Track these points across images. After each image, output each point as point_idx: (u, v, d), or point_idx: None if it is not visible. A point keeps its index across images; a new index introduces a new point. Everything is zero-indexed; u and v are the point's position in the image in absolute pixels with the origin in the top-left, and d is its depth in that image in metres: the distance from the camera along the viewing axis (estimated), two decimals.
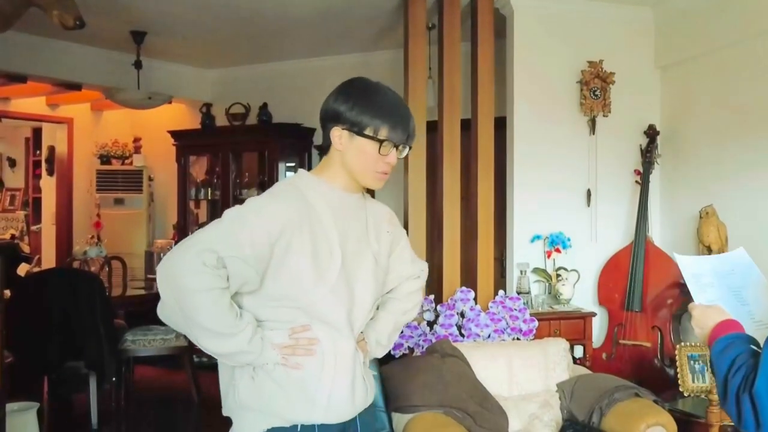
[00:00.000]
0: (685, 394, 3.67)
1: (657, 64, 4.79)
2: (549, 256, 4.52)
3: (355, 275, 1.81)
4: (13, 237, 8.25)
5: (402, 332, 3.90)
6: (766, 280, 1.76)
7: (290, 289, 1.72)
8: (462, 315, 4.00)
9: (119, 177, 7.31)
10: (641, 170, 4.61)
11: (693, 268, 1.78)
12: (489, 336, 3.92)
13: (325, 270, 1.74)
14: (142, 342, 4.98)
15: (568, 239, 4.51)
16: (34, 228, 8.58)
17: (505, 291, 4.30)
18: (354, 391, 1.81)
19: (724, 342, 1.52)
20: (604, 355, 4.47)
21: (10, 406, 3.77)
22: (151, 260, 6.47)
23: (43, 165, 7.87)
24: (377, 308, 2.02)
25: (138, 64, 5.71)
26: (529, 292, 4.41)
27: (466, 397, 3.23)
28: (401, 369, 3.44)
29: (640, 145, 4.65)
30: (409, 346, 3.91)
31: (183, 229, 6.66)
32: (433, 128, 4.47)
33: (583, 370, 3.80)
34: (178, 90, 6.62)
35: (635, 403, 3.27)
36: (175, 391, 5.53)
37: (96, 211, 7.16)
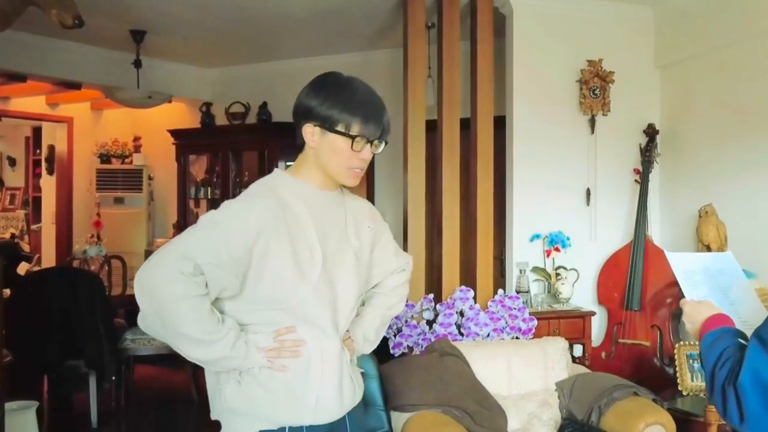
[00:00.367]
0: (684, 393, 3.67)
1: (657, 64, 4.79)
2: (548, 255, 4.52)
3: (336, 274, 1.79)
4: (13, 236, 8.26)
5: (401, 331, 3.91)
6: (749, 284, 1.81)
7: (272, 291, 1.70)
8: (461, 314, 4.01)
9: (119, 176, 7.31)
10: (641, 169, 4.61)
11: (684, 265, 1.81)
12: (488, 335, 3.93)
13: (307, 270, 1.72)
14: (141, 341, 4.98)
15: (568, 238, 4.51)
16: (34, 227, 8.59)
17: (504, 290, 4.31)
18: (342, 391, 1.80)
19: (712, 336, 1.55)
20: (603, 354, 4.47)
21: (9, 405, 3.78)
22: None
23: (43, 164, 7.86)
24: (363, 304, 2.00)
25: (138, 63, 5.71)
26: (528, 291, 4.42)
27: (465, 396, 3.23)
28: (400, 368, 3.44)
29: (640, 145, 4.65)
30: (408, 345, 3.91)
31: (183, 228, 6.64)
32: (433, 127, 4.47)
33: (582, 369, 3.80)
34: (178, 89, 6.61)
35: (634, 402, 3.27)
36: (175, 391, 5.53)
37: (96, 210, 7.15)
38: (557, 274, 4.49)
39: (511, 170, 4.60)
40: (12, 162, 9.44)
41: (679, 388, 3.68)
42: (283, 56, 6.23)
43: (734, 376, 1.42)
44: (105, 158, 7.37)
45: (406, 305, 4.09)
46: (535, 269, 4.53)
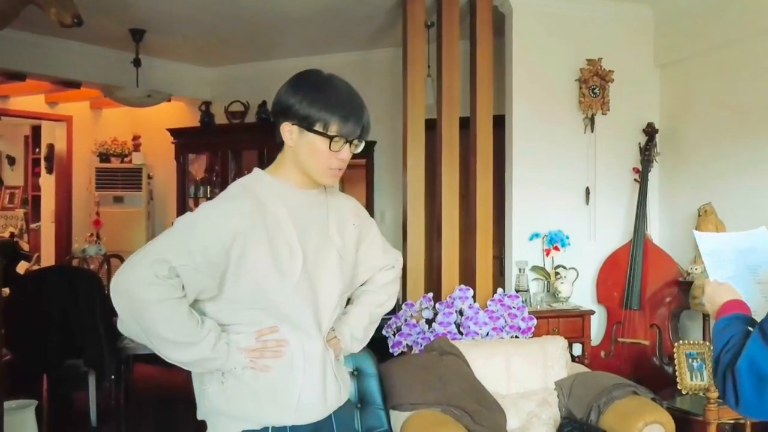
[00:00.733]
0: (684, 392, 3.68)
1: (656, 63, 4.79)
2: (548, 254, 4.53)
3: (318, 273, 1.77)
4: (12, 235, 8.26)
5: (401, 330, 3.91)
6: None
7: (252, 291, 1.69)
8: (461, 313, 4.01)
9: (118, 175, 7.30)
10: (640, 168, 4.61)
11: (711, 245, 1.84)
12: (487, 334, 3.93)
13: (287, 270, 1.70)
14: None
15: (567, 237, 4.51)
16: (33, 226, 8.58)
17: (503, 289, 4.31)
18: (325, 391, 1.78)
19: (725, 321, 1.63)
20: (602, 353, 4.47)
21: (8, 404, 3.78)
22: None
23: (43, 163, 7.86)
24: (352, 302, 1.99)
25: (137, 62, 5.70)
26: (527, 290, 4.42)
27: (464, 395, 3.23)
28: (399, 367, 3.44)
29: (639, 144, 4.65)
30: (407, 344, 3.92)
31: None
32: (432, 126, 4.47)
33: (581, 368, 3.80)
34: (178, 88, 6.61)
35: (633, 401, 3.27)
36: (175, 390, 5.52)
37: (95, 209, 7.15)
38: (556, 273, 4.49)
39: (510, 169, 4.60)
40: (11, 161, 9.44)
41: (679, 387, 3.69)
42: (282, 55, 6.22)
43: (735, 361, 1.52)
44: (104, 157, 7.37)
45: (406, 304, 4.09)
46: (535, 268, 4.53)
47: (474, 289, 4.20)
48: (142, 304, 1.60)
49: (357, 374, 3.32)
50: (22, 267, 6.21)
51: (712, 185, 4.32)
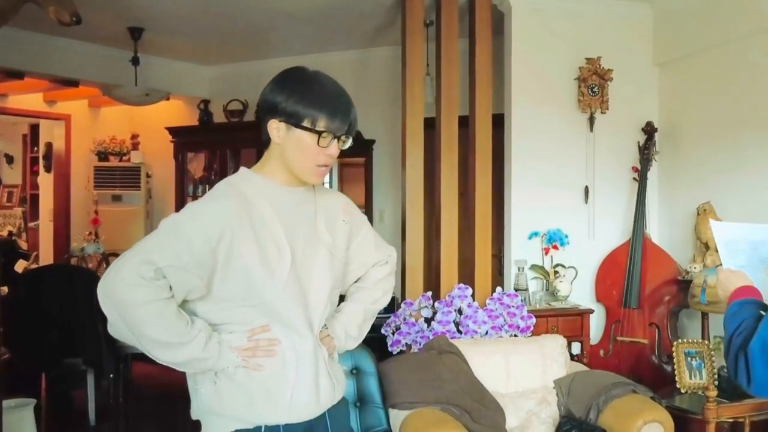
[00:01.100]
0: (683, 391, 3.68)
1: (655, 61, 4.79)
2: (547, 253, 4.53)
3: (308, 271, 1.76)
4: (10, 234, 8.24)
5: (400, 329, 3.91)
6: None
7: (241, 290, 1.68)
8: (460, 312, 4.01)
9: (117, 173, 7.30)
10: (639, 167, 4.61)
11: (727, 235, 1.90)
12: (486, 333, 3.93)
13: (275, 268, 1.69)
14: None
15: (566, 236, 4.51)
16: (31, 224, 8.57)
17: (502, 288, 4.31)
18: (318, 389, 1.78)
19: (738, 305, 1.70)
20: (601, 352, 4.47)
21: (7, 403, 3.77)
22: None
23: (41, 161, 7.85)
24: (346, 299, 1.98)
25: (135, 61, 5.70)
26: (526, 289, 4.42)
27: (463, 394, 3.23)
28: (398, 366, 3.44)
29: (638, 142, 4.65)
30: (406, 343, 3.92)
31: None
32: (431, 125, 4.47)
33: (580, 367, 3.81)
34: (176, 86, 6.60)
35: (632, 399, 3.27)
36: (173, 388, 5.51)
37: (94, 207, 7.14)
38: (555, 272, 4.49)
39: (509, 168, 4.59)
40: (9, 159, 9.42)
41: (678, 385, 3.69)
42: (281, 54, 6.21)
43: (747, 343, 1.59)
44: (103, 156, 7.36)
45: (405, 303, 4.09)
46: (534, 267, 4.53)
47: (473, 287, 4.20)
48: (130, 306, 1.60)
49: (356, 373, 3.32)
50: (20, 266, 6.20)
51: (711, 184, 4.32)
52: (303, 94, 1.71)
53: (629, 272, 4.46)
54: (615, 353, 4.46)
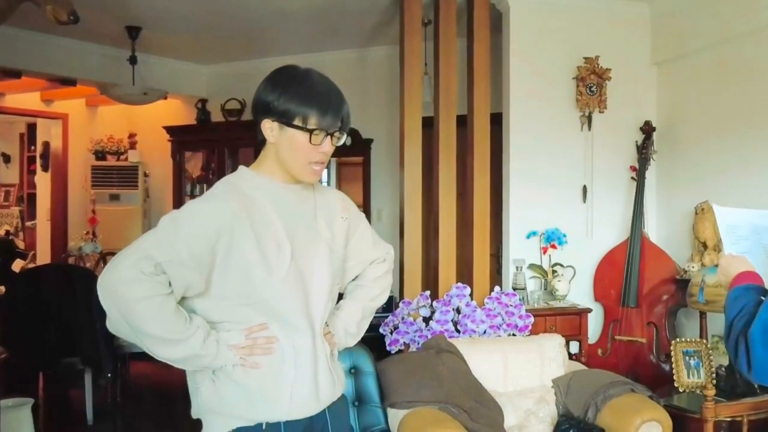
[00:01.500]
0: (681, 390, 3.69)
1: (653, 61, 4.79)
2: (545, 252, 4.53)
3: (309, 267, 1.77)
4: (7, 233, 8.22)
5: (398, 328, 3.91)
6: None
7: (240, 287, 1.69)
8: (458, 311, 4.01)
9: (114, 173, 7.29)
10: (637, 166, 4.61)
11: (730, 220, 1.89)
12: (485, 332, 3.93)
13: (275, 264, 1.70)
14: None
15: (564, 235, 4.51)
16: (28, 224, 8.55)
17: (501, 287, 4.31)
18: (318, 386, 1.78)
19: (739, 290, 1.70)
20: (599, 351, 4.48)
21: (4, 402, 3.77)
22: None
23: (38, 161, 7.83)
24: (345, 297, 1.99)
25: (133, 60, 5.69)
26: (525, 288, 4.42)
27: (461, 393, 3.23)
28: (397, 365, 3.44)
29: (636, 142, 4.65)
30: (404, 342, 3.91)
31: None
32: (429, 124, 4.46)
33: (578, 366, 3.81)
34: (174, 85, 6.60)
35: (630, 398, 3.27)
36: (171, 387, 5.52)
37: (91, 207, 7.14)
38: (554, 271, 4.49)
39: (507, 167, 4.60)
40: (6, 158, 9.40)
41: (676, 384, 3.70)
42: (279, 53, 6.21)
43: (748, 328, 1.58)
44: (100, 155, 7.35)
45: (403, 302, 4.09)
46: (532, 266, 4.53)
47: (471, 287, 4.20)
48: (129, 302, 1.60)
49: (354, 372, 3.32)
50: (17, 265, 6.19)
51: (709, 183, 4.32)
52: (293, 92, 1.71)
53: (627, 271, 4.47)
54: (613, 352, 4.46)
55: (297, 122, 1.70)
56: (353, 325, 1.96)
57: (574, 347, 4.41)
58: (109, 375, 4.92)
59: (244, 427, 1.72)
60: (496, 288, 4.20)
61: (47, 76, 6.06)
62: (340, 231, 1.88)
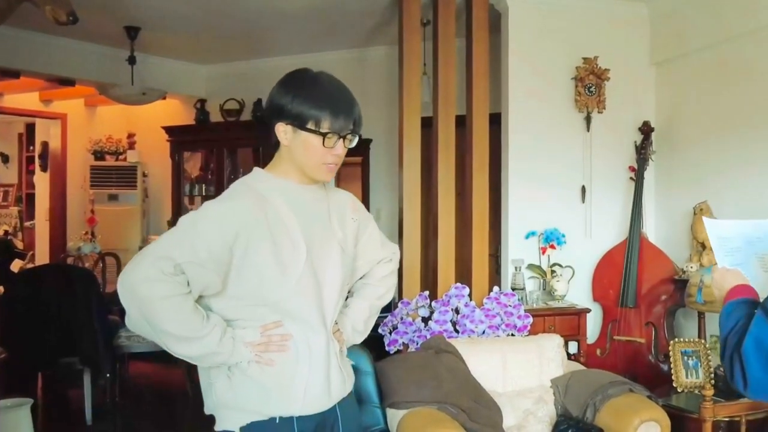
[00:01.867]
0: (679, 390, 3.69)
1: (652, 61, 4.79)
2: (544, 253, 4.53)
3: (322, 266, 1.82)
4: (6, 233, 8.22)
5: (397, 328, 3.91)
6: None
7: (256, 287, 1.73)
8: (457, 311, 4.01)
9: (113, 173, 7.28)
10: (636, 167, 4.62)
11: (721, 232, 1.85)
12: (484, 332, 3.93)
13: (290, 264, 1.74)
14: (136, 338, 4.97)
15: (563, 235, 4.52)
16: (27, 224, 8.55)
17: (499, 287, 4.31)
18: (329, 383, 1.83)
19: (733, 305, 1.64)
20: (598, 351, 4.48)
21: (3, 402, 3.77)
22: None
23: (37, 161, 7.84)
24: (352, 295, 2.04)
25: (132, 60, 5.69)
26: (523, 289, 4.42)
27: (460, 393, 3.23)
28: (396, 365, 3.44)
29: (635, 142, 4.66)
30: (403, 342, 3.91)
31: None
32: (428, 124, 4.46)
33: (577, 366, 3.81)
34: (173, 86, 6.59)
35: (629, 398, 3.27)
36: (170, 387, 5.53)
37: (90, 207, 7.13)
38: (552, 272, 4.49)
39: (506, 167, 4.60)
40: (5, 159, 9.40)
41: (674, 384, 3.70)
42: (277, 53, 6.22)
43: (741, 343, 1.52)
44: (99, 155, 7.35)
45: (402, 302, 4.09)
46: (531, 266, 4.53)
47: (470, 287, 4.20)
48: (149, 301, 1.65)
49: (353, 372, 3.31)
50: (16, 265, 6.19)
51: (708, 183, 4.33)
52: (306, 96, 1.75)
53: (626, 271, 4.47)
54: (612, 352, 4.46)
55: (310, 126, 1.75)
56: (360, 323, 2.02)
57: (573, 347, 4.41)
58: (108, 375, 4.92)
59: (258, 421, 1.76)
60: (495, 288, 4.20)
61: (46, 76, 6.06)
62: (351, 231, 1.94)
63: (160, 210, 7.35)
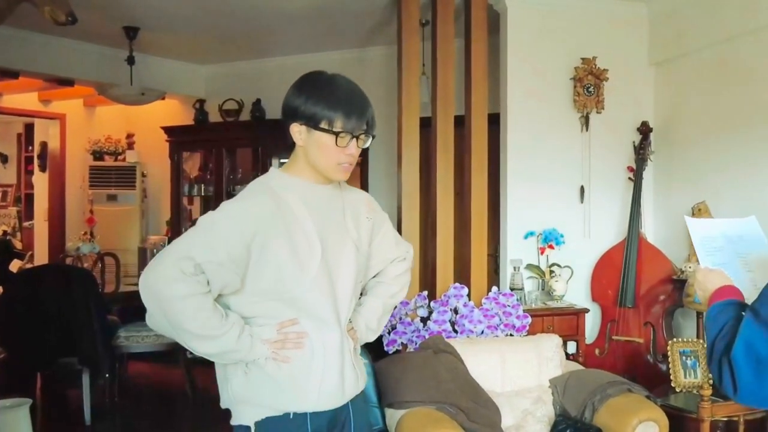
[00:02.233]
0: (677, 390, 3.69)
1: (651, 61, 4.80)
2: (542, 253, 4.53)
3: (337, 265, 1.86)
4: (5, 233, 8.22)
5: (395, 328, 3.91)
6: None
7: (273, 284, 1.77)
8: (455, 311, 4.01)
9: (112, 173, 7.29)
10: (634, 167, 4.62)
11: (703, 231, 1.82)
12: (482, 332, 3.93)
13: (306, 262, 1.78)
14: (135, 338, 4.98)
15: (562, 235, 4.52)
16: (26, 224, 8.55)
17: (498, 287, 4.31)
18: (343, 380, 1.87)
19: (718, 307, 1.58)
20: (597, 351, 4.49)
21: (2, 403, 3.78)
22: (144, 256, 6.45)
23: (36, 161, 7.83)
24: (366, 293, 2.08)
25: (131, 60, 5.69)
26: (522, 289, 4.42)
27: (459, 393, 3.24)
28: (394, 365, 3.44)
29: (634, 142, 4.66)
30: (402, 342, 3.92)
31: (176, 225, 6.65)
32: (427, 124, 4.47)
33: (576, 366, 3.81)
34: (172, 86, 6.60)
35: (627, 398, 3.28)
36: (170, 387, 5.53)
37: (89, 207, 7.14)
38: (551, 272, 4.49)
39: (505, 167, 4.60)
40: (4, 159, 9.40)
41: (672, 384, 3.70)
42: (276, 53, 6.22)
43: (730, 348, 1.45)
44: (98, 155, 7.35)
45: (401, 302, 4.09)
46: (530, 266, 4.53)
47: (469, 287, 4.20)
48: (170, 300, 1.69)
49: None
50: (15, 265, 6.19)
51: (706, 183, 4.33)
52: (319, 96, 1.79)
53: (624, 271, 4.47)
54: (610, 352, 4.47)
55: (323, 125, 1.79)
56: (374, 321, 2.06)
57: (572, 347, 4.41)
58: (107, 375, 4.92)
59: (273, 416, 1.81)
60: (494, 288, 4.20)
61: (45, 76, 6.06)
62: (365, 230, 1.97)
63: (159, 210, 7.35)
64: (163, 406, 5.22)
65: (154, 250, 6.25)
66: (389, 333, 3.95)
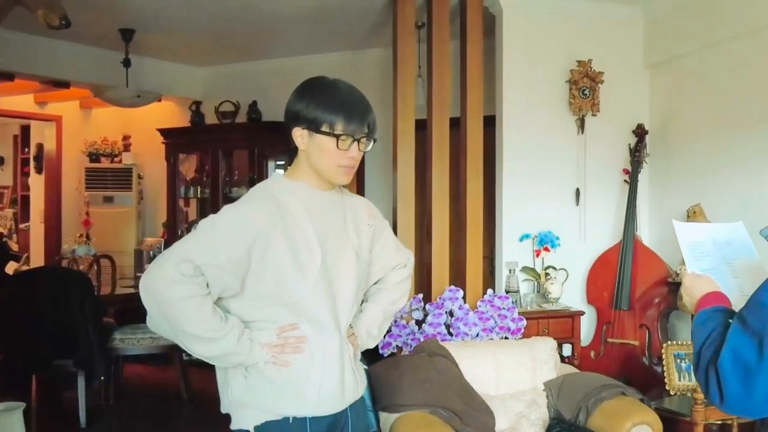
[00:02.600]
0: (672, 393, 3.69)
1: (646, 64, 4.80)
2: (538, 255, 4.53)
3: (337, 271, 1.86)
4: (1, 235, 8.21)
5: (390, 331, 3.91)
6: (759, 258, 1.77)
7: (273, 289, 1.78)
8: (451, 314, 4.01)
9: (108, 175, 7.28)
10: (630, 169, 4.62)
11: (690, 236, 1.79)
12: (477, 335, 3.93)
13: (306, 268, 1.79)
14: (131, 341, 4.97)
15: (557, 238, 4.52)
16: (22, 226, 8.54)
17: (493, 290, 4.31)
18: (343, 385, 1.88)
19: (705, 314, 1.55)
20: (592, 354, 4.49)
21: None
22: (140, 258, 6.46)
23: (32, 163, 7.83)
24: (367, 300, 2.08)
25: (127, 62, 5.68)
26: (517, 291, 4.42)
27: (452, 396, 3.23)
28: (389, 368, 3.44)
29: (629, 145, 4.66)
30: (397, 345, 3.92)
31: (172, 227, 6.64)
32: (423, 127, 4.47)
33: (570, 369, 3.81)
34: (168, 88, 6.59)
35: (621, 401, 3.28)
36: (165, 389, 5.52)
37: (85, 209, 7.13)
38: (546, 274, 4.50)
39: (500, 169, 4.60)
40: (0, 161, 9.39)
41: (667, 387, 3.70)
42: (273, 55, 6.22)
43: (717, 356, 1.42)
44: (94, 157, 7.34)
45: None
46: (525, 269, 4.53)
47: (464, 289, 4.20)
48: (169, 302, 1.70)
49: None
50: (10, 267, 6.18)
51: (702, 186, 4.33)
52: (320, 100, 1.81)
53: (620, 274, 4.48)
54: (606, 355, 4.47)
55: (324, 128, 1.80)
56: (375, 328, 2.07)
57: (567, 350, 4.42)
58: (103, 377, 4.90)
59: (272, 421, 1.81)
60: (489, 291, 4.20)
61: (41, 78, 6.06)
62: (366, 237, 1.98)
63: (156, 212, 7.35)
64: (159, 409, 5.21)
65: (151, 253, 6.26)
66: (384, 336, 3.95)
